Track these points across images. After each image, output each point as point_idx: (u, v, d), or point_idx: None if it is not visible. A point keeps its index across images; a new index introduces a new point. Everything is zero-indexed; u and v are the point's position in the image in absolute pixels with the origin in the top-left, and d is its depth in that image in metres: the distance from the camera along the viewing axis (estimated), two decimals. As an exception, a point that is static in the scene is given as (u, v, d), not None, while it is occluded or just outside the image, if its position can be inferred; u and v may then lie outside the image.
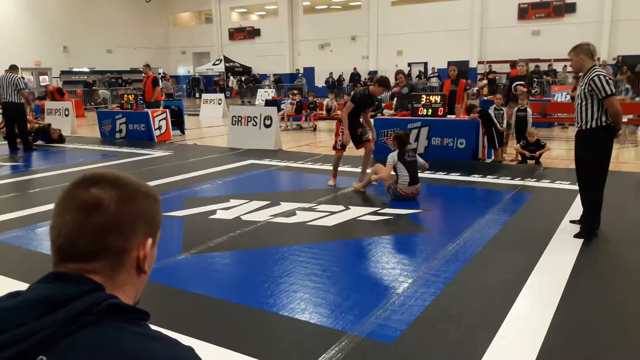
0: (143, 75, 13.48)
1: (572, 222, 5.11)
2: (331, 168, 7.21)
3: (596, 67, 4.69)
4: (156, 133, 12.54)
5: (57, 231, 0.87)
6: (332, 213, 5.68)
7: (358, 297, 3.53)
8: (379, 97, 13.82)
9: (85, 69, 30.21)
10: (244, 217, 5.59)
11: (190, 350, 0.83)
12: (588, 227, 4.76)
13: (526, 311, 3.31)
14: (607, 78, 4.58)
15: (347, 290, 3.66)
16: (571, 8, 23.80)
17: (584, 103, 4.67)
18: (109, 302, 0.81)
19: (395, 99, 11.98)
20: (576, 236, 4.72)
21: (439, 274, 3.92)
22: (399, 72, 11.56)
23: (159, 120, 12.67)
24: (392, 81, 9.79)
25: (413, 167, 6.29)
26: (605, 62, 21.47)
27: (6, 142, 11.59)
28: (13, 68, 11.11)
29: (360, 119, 6.97)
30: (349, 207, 5.89)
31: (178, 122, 13.87)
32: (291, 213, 5.71)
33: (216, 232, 5.08)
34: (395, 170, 6.26)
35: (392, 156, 6.32)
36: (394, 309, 3.33)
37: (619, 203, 5.84)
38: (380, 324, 3.12)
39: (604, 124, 4.61)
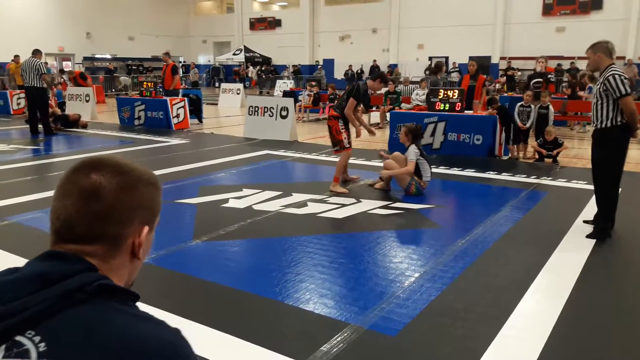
0: (163, 63, 13.59)
1: (585, 222, 5.05)
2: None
3: (613, 65, 4.62)
4: (174, 121, 12.66)
5: (57, 215, 0.89)
6: (343, 205, 5.70)
7: (363, 290, 3.55)
8: (398, 91, 13.79)
9: (108, 56, 30.54)
10: (255, 207, 5.64)
11: (177, 331, 0.85)
12: (601, 227, 4.71)
13: (532, 309, 3.29)
14: (622, 77, 4.51)
15: (353, 282, 3.68)
16: (598, 4, 23.31)
17: (599, 102, 4.62)
18: (100, 282, 0.83)
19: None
20: (588, 236, 4.67)
21: (447, 269, 3.91)
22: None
23: (177, 109, 12.78)
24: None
25: (430, 162, 6.26)
26: (631, 62, 21.03)
27: (28, 125, 11.81)
28: (36, 53, 11.31)
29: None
30: (360, 200, 5.90)
31: (196, 111, 13.98)
32: (302, 204, 5.73)
33: (228, 220, 5.13)
34: (417, 166, 6.08)
35: (415, 152, 6.10)
36: (398, 302, 3.35)
37: (636, 205, 5.75)
38: (383, 317, 3.14)
39: (619, 123, 4.55)
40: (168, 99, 12.71)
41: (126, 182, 0.91)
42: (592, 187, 6.47)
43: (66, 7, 28.29)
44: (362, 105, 6.76)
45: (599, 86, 4.64)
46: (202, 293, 3.56)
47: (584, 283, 3.65)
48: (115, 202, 0.89)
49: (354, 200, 5.88)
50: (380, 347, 2.83)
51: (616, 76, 4.50)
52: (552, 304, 3.32)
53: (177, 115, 12.77)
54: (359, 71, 28.64)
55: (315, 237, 4.66)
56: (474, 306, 3.35)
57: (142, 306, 0.89)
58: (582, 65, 21.79)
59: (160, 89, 13.40)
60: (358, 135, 6.66)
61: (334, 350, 2.76)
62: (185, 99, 13.17)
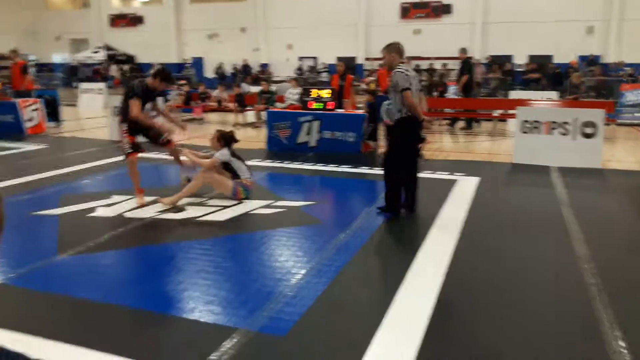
0: (10, 62, 12.23)
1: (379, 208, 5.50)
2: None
3: (400, 65, 5.25)
4: (27, 125, 11.45)
5: None
6: (225, 207, 5.56)
7: (251, 292, 3.48)
8: (273, 90, 13.83)
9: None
10: (127, 214, 5.28)
11: None
12: (388, 203, 5.37)
13: (410, 299, 3.46)
14: (404, 74, 5.13)
15: (240, 286, 3.59)
16: (447, 9, 25.44)
17: (392, 98, 5.26)
18: None
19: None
20: (379, 208, 5.39)
21: (331, 264, 3.98)
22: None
23: (31, 111, 11.58)
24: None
25: (244, 161, 6.04)
26: (479, 61, 23.25)
27: None
28: None
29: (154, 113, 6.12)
30: (242, 200, 5.80)
31: (53, 113, 12.78)
32: (180, 209, 5.49)
33: (96, 230, 4.74)
34: (230, 168, 5.84)
35: (222, 153, 5.82)
36: (286, 301, 3.33)
37: (493, 191, 6.37)
38: (272, 317, 3.10)
39: (404, 115, 5.18)
40: (18, 100, 11.46)
41: None
42: (454, 176, 7.04)
43: None
44: (162, 103, 6.15)
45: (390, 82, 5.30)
46: (74, 312, 3.24)
47: (455, 267, 3.93)
48: None
49: (235, 201, 5.75)
50: (271, 349, 2.79)
51: (397, 73, 5.16)
52: (428, 290, 3.53)
53: (31, 119, 11.57)
54: (236, 70, 28.11)
55: (197, 242, 4.48)
56: (358, 299, 3.45)
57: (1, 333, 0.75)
58: (437, 65, 23.65)
59: (8, 90, 12.03)
60: (184, 129, 6.35)
61: (224, 357, 2.66)
62: (40, 100, 11.98)
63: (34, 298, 3.43)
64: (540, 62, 21.49)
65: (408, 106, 5.10)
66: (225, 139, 5.93)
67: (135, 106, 5.55)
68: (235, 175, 5.84)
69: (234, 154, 5.90)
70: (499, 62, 21.57)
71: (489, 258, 4.21)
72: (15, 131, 11.25)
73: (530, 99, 11.76)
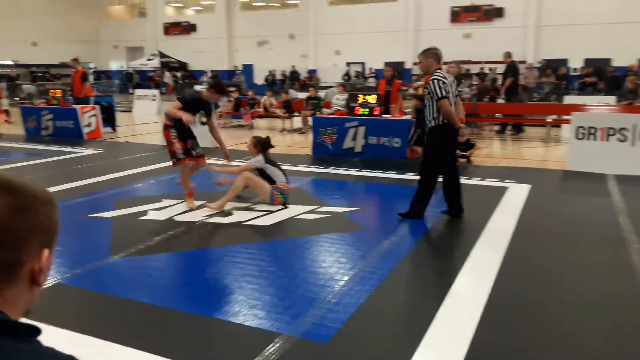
0: (72, 69, 12.84)
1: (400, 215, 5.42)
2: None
3: (438, 70, 5.13)
4: (85, 130, 11.99)
5: None
6: (270, 212, 5.63)
7: (294, 297, 3.51)
8: (320, 96, 13.91)
9: (9, 62, 28.43)
10: (177, 218, 5.43)
11: None
12: (412, 208, 5.35)
13: (457, 307, 3.39)
14: (440, 82, 5.01)
15: (284, 291, 3.62)
16: (500, 13, 24.89)
17: (427, 104, 5.18)
18: None
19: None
20: (400, 214, 5.35)
21: (374, 271, 3.96)
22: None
23: (89, 117, 12.12)
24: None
25: (279, 166, 6.05)
26: (532, 65, 22.58)
27: None
28: None
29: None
30: (287, 206, 5.85)
31: (109, 119, 13.33)
32: (227, 213, 5.60)
33: (147, 233, 4.90)
34: (266, 175, 5.88)
35: (258, 160, 5.88)
36: (329, 307, 3.33)
37: (544, 199, 6.16)
38: (315, 324, 3.11)
39: (440, 123, 5.10)
40: (78, 107, 12.02)
41: (20, 202, 0.81)
42: (504, 184, 6.86)
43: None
44: (211, 117, 6.06)
45: (426, 90, 5.20)
46: (123, 313, 3.36)
47: (503, 277, 3.82)
48: (8, 225, 0.78)
49: (280, 206, 5.82)
50: (313, 355, 2.80)
51: (434, 80, 5.02)
52: (475, 300, 3.45)
53: (89, 124, 12.11)
54: (285, 76, 28.52)
55: (243, 247, 4.56)
56: (401, 307, 3.41)
57: (56, 331, 0.79)
58: (487, 69, 23.13)
59: (70, 97, 12.64)
60: (226, 157, 6.12)
61: (267, 362, 2.69)
62: (97, 106, 12.52)
63: (87, 298, 3.59)
64: (597, 66, 20.65)
65: (445, 114, 5.03)
66: (262, 145, 6.02)
67: (174, 105, 5.67)
68: (271, 181, 5.91)
69: (268, 160, 5.96)
70: (552, 66, 20.89)
71: (539, 270, 4.07)
72: (74, 136, 11.81)
73: (585, 104, 11.32)
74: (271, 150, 6.19)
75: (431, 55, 5.19)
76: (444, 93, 4.98)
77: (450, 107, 5.03)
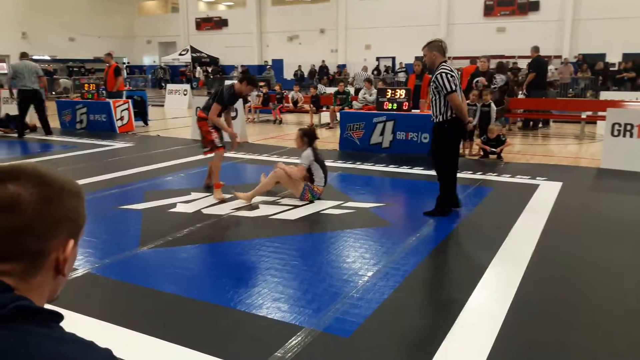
0: (105, 64, 13.13)
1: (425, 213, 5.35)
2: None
3: (444, 64, 5.03)
4: (118, 124, 12.26)
5: None
6: (296, 207, 5.65)
7: (317, 291, 3.52)
8: (347, 91, 13.87)
9: (47, 57, 29.24)
10: (205, 211, 5.51)
11: (107, 352, 0.79)
12: (438, 207, 5.29)
13: (482, 304, 3.35)
14: (448, 75, 4.92)
15: (307, 285, 3.64)
16: (535, 6, 24.30)
17: (434, 98, 5.09)
18: (17, 304, 0.75)
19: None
20: (426, 213, 5.29)
21: (399, 267, 3.94)
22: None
23: (121, 111, 12.38)
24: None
25: (325, 167, 6.03)
26: (567, 60, 22.01)
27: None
28: (26, 55, 11.53)
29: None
30: (313, 200, 5.87)
31: (141, 113, 13.59)
32: (254, 207, 5.65)
33: (176, 225, 4.98)
34: (309, 171, 5.88)
35: (308, 156, 5.86)
36: (352, 302, 3.33)
37: (575, 196, 6.00)
38: (337, 318, 3.12)
39: (449, 118, 5.03)
40: (111, 101, 12.29)
41: (48, 192, 0.83)
42: (535, 181, 6.73)
43: (-1, 6, 26.92)
44: (233, 110, 6.22)
45: (432, 84, 5.09)
46: (150, 303, 3.43)
47: (530, 276, 3.75)
48: (36, 215, 0.80)
49: (305, 201, 5.84)
50: (335, 350, 2.80)
51: (443, 74, 4.92)
52: (501, 299, 3.39)
53: (121, 118, 12.37)
54: (313, 70, 28.54)
55: (268, 240, 4.59)
56: (425, 304, 3.38)
57: (85, 319, 0.82)
58: (522, 64, 22.66)
59: (103, 91, 12.93)
60: (234, 138, 6.34)
61: (289, 355, 2.71)
62: (130, 100, 12.78)
63: (115, 287, 3.67)
64: (636, 60, 19.99)
65: (454, 108, 4.96)
66: (308, 136, 6.02)
67: (215, 110, 5.91)
68: (310, 179, 5.92)
69: (317, 159, 5.91)
70: (589, 61, 20.31)
71: (568, 269, 3.98)
72: (107, 129, 12.09)
73: (622, 100, 10.99)
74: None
75: (436, 48, 5.10)
76: (452, 87, 4.92)
77: (459, 101, 4.97)
